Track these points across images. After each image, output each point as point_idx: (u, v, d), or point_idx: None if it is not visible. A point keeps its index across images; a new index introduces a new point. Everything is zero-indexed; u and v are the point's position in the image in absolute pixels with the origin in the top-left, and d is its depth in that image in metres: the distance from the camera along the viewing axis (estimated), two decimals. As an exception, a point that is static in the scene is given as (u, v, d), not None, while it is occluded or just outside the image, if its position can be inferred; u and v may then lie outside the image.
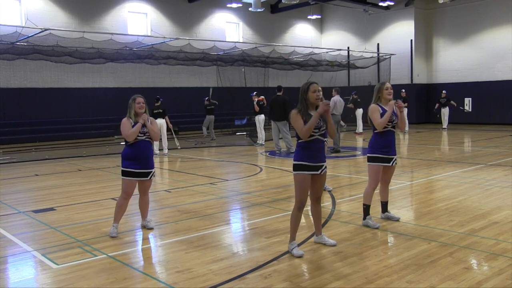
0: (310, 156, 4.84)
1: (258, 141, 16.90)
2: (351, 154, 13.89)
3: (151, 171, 5.89)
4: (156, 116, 14.60)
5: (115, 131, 18.70)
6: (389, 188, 6.20)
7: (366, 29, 26.80)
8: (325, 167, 4.97)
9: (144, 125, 5.77)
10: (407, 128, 20.73)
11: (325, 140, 5.05)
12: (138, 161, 5.78)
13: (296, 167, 4.88)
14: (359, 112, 20.46)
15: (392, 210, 6.26)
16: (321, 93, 4.89)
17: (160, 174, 11.73)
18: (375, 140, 5.85)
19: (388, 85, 5.84)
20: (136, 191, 5.95)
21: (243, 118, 21.47)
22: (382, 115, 5.72)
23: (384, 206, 6.16)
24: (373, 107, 5.81)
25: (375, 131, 5.85)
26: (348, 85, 27.48)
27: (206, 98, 18.92)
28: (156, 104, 14.76)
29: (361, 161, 12.69)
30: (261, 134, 16.75)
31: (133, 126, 5.74)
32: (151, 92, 18.33)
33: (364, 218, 5.87)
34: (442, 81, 25.62)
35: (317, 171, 4.88)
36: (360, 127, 20.62)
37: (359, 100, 20.46)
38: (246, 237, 5.80)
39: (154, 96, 15.23)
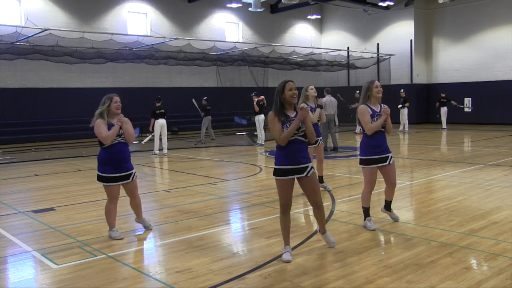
0: (290, 158, 4.66)
1: (258, 141, 16.90)
2: (350, 154, 13.88)
3: (131, 173, 5.65)
4: (158, 116, 14.67)
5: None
6: None
7: (366, 29, 26.79)
8: (311, 168, 4.77)
9: (120, 127, 5.54)
10: (407, 128, 20.76)
11: (306, 141, 4.77)
12: (114, 165, 5.54)
13: (275, 172, 4.72)
14: None
15: (393, 210, 6.24)
16: (297, 91, 4.73)
17: (160, 174, 11.74)
18: (366, 142, 5.71)
19: (377, 83, 5.73)
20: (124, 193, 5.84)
21: (242, 118, 21.48)
22: (372, 116, 5.61)
23: (387, 204, 6.06)
24: (362, 108, 5.64)
25: (364, 133, 5.72)
26: (348, 85, 27.49)
27: (205, 98, 18.90)
28: (157, 105, 14.79)
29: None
30: (261, 134, 16.75)
31: (109, 128, 5.50)
32: (151, 92, 18.34)
33: (364, 219, 5.86)
34: (442, 81, 25.63)
35: (302, 173, 4.71)
36: (360, 127, 20.54)
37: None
38: (246, 237, 5.80)
39: (156, 96, 15.23)
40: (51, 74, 19.33)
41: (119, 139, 5.57)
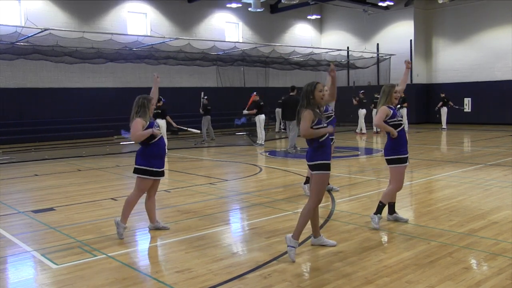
0: (329, 154, 4.94)
1: (257, 141, 16.89)
2: (350, 154, 13.89)
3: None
4: (155, 116, 14.63)
5: (115, 131, 18.70)
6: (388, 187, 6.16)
7: (366, 29, 26.79)
8: None
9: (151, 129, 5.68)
10: (406, 128, 20.75)
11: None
12: (162, 160, 5.84)
13: (325, 167, 4.85)
14: (362, 112, 20.38)
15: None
16: (327, 90, 5.14)
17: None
18: (395, 141, 5.79)
19: (397, 88, 5.92)
20: None
21: (241, 118, 21.49)
22: (393, 115, 5.76)
23: (392, 208, 6.11)
24: (384, 108, 5.80)
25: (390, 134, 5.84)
26: (348, 85, 27.48)
27: (206, 97, 18.86)
28: (158, 104, 14.75)
29: (360, 161, 12.70)
30: (261, 134, 16.73)
31: (149, 127, 5.62)
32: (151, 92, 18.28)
33: (376, 213, 5.82)
34: (441, 81, 25.63)
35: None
36: (361, 127, 20.49)
37: (364, 100, 20.37)
38: (245, 237, 5.80)
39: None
40: (51, 74, 19.32)
41: (161, 134, 5.83)
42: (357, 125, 20.83)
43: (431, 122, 25.08)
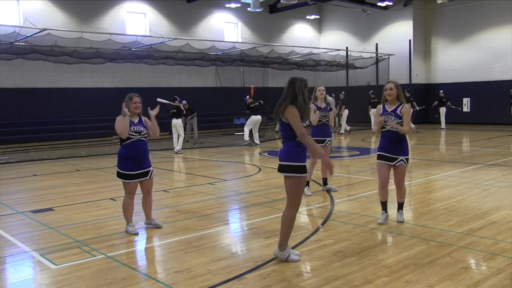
0: (305, 156, 4.71)
1: (255, 141, 16.84)
2: (349, 154, 13.89)
3: (149, 170, 5.87)
4: (171, 115, 14.85)
5: (114, 131, 18.68)
6: (388, 188, 6.12)
7: (365, 29, 26.80)
8: None
9: (141, 124, 5.81)
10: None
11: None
12: (134, 162, 5.74)
13: (300, 169, 4.55)
14: (345, 113, 20.53)
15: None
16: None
17: (158, 174, 11.72)
18: (380, 140, 6.07)
19: (387, 85, 5.93)
20: (138, 190, 5.95)
21: (241, 118, 21.53)
22: (381, 115, 5.91)
23: (399, 206, 6.17)
24: (378, 107, 6.07)
25: (382, 131, 6.02)
26: (347, 85, 27.50)
27: (184, 102, 18.64)
28: (173, 104, 14.90)
29: (359, 161, 12.69)
30: (245, 133, 16.78)
31: (130, 126, 5.74)
32: (150, 92, 18.30)
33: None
34: (440, 81, 25.64)
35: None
36: (343, 128, 20.64)
37: (340, 100, 20.53)
38: (244, 237, 5.80)
39: (156, 97, 15.25)
40: (49, 74, 19.29)
41: (139, 136, 5.78)
42: (352, 126, 20.99)
43: (430, 122, 25.09)
